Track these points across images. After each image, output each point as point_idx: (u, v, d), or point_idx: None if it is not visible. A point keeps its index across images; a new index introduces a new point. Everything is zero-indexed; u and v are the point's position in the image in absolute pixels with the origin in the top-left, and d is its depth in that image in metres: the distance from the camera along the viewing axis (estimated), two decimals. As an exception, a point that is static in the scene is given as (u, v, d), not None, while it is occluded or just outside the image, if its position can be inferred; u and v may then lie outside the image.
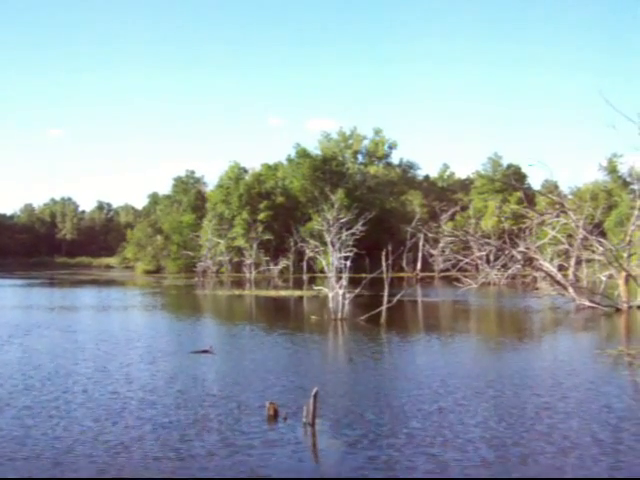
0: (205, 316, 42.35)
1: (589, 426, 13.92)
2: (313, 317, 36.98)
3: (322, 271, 42.19)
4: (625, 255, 42.61)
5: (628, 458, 11.93)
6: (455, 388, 17.77)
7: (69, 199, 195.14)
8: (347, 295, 36.10)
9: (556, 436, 13.21)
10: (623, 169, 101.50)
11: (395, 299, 36.71)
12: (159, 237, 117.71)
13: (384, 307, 34.83)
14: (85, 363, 22.05)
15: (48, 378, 19.36)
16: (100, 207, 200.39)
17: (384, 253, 37.24)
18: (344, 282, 36.20)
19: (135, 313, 42.49)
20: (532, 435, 13.35)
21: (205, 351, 24.18)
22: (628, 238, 43.40)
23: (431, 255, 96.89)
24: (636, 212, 43.49)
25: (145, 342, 27.16)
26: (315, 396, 13.76)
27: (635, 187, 45.84)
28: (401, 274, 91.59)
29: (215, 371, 20.94)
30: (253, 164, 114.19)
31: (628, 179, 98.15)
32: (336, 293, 35.79)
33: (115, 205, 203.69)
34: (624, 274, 41.06)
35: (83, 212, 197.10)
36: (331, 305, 35.62)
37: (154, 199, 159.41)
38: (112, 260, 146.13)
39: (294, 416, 14.63)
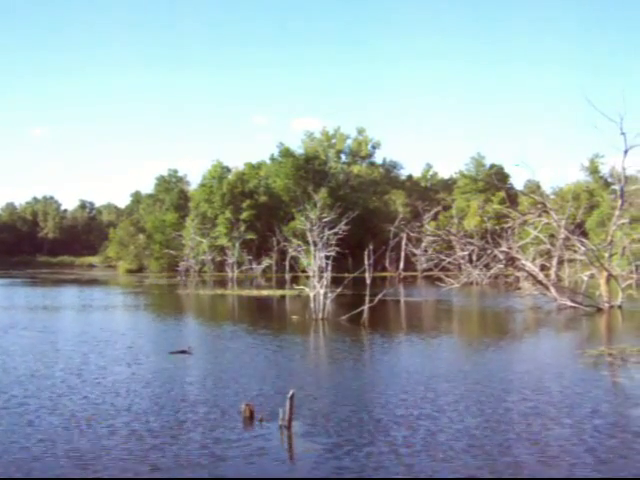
0: (186, 316, 42.01)
1: (574, 432, 13.51)
2: (294, 317, 36.76)
3: (304, 270, 41.93)
4: (606, 255, 42.69)
5: (615, 463, 11.73)
6: (437, 391, 17.47)
7: (51, 198, 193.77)
8: (328, 295, 35.92)
9: (542, 443, 12.82)
10: (604, 170, 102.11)
11: (376, 299, 36.50)
12: (141, 236, 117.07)
13: (365, 307, 34.62)
14: (60, 365, 21.57)
15: (18, 381, 18.82)
16: (82, 206, 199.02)
17: (366, 252, 37.08)
18: (325, 281, 36.02)
19: (116, 313, 42.05)
20: (517, 443, 12.91)
21: (183, 351, 23.88)
22: (609, 238, 43.49)
23: (414, 255, 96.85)
24: (617, 212, 43.57)
25: (124, 343, 26.76)
26: (291, 398, 13.50)
27: (616, 187, 45.95)
28: (384, 273, 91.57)
29: (192, 372, 20.60)
30: (237, 163, 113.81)
31: (609, 179, 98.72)
32: (317, 293, 35.60)
33: (98, 204, 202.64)
34: (605, 274, 41.12)
35: (65, 211, 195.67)
36: (312, 305, 35.42)
37: (137, 198, 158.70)
38: (94, 259, 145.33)
39: (271, 418, 14.35)
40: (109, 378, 19.39)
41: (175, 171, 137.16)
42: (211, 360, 23.14)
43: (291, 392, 13.60)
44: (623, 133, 41.26)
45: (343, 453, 12.35)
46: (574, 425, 13.99)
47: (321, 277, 36.63)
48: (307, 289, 36.98)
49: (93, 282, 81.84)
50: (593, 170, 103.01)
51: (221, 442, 12.97)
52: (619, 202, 43.81)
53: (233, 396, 16.77)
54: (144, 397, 16.83)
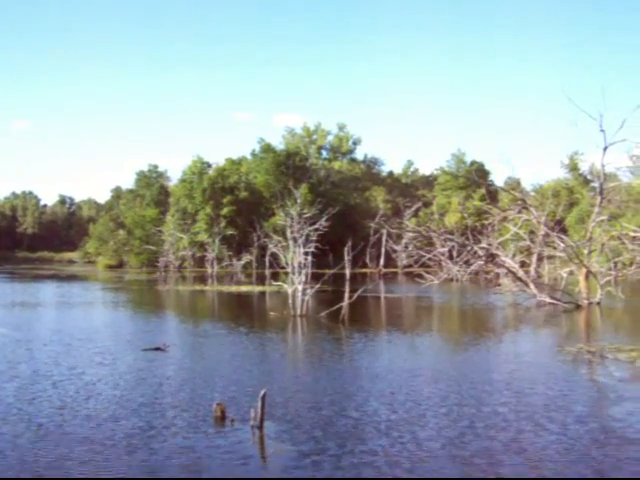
0: (164, 312, 41.59)
1: (557, 437, 12.94)
2: (272, 313, 36.46)
3: (283, 267, 41.67)
4: (586, 252, 42.72)
5: (600, 467, 11.50)
6: (416, 392, 17.02)
7: (30, 193, 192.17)
8: (307, 291, 35.67)
9: (526, 451, 12.19)
10: (584, 167, 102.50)
11: (355, 295, 36.27)
12: (121, 232, 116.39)
13: (344, 303, 34.42)
14: (27, 365, 20.80)
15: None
16: (62, 201, 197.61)
17: (346, 248, 36.87)
18: (304, 278, 35.77)
19: (93, 310, 41.50)
20: (501, 451, 12.20)
21: (158, 349, 23.50)
22: (588, 235, 43.52)
23: (394, 251, 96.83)
24: (596, 209, 43.62)
25: (98, 340, 26.25)
26: (263, 398, 13.16)
27: (595, 184, 46.12)
28: (364, 270, 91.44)
29: (165, 370, 20.13)
30: (219, 159, 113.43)
31: (589, 177, 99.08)
32: (296, 289, 35.33)
33: (78, 199, 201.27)
34: (584, 270, 41.15)
35: (45, 206, 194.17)
36: (291, 301, 35.14)
37: (117, 193, 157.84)
38: (74, 255, 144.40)
39: (243, 418, 13.99)
40: (78, 380, 18.47)
41: (155, 166, 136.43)
42: (186, 358, 22.76)
43: (262, 392, 13.25)
44: (602, 130, 41.35)
45: (316, 455, 11.99)
46: (556, 428, 13.58)
47: (300, 273, 36.38)
48: (285, 285, 36.69)
49: (72, 278, 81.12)
50: (573, 167, 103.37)
51: (189, 443, 12.59)
52: (598, 199, 43.85)
53: (205, 395, 16.38)
54: (112, 400, 16.10)
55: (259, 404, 13.17)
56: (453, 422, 14.13)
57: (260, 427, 13.18)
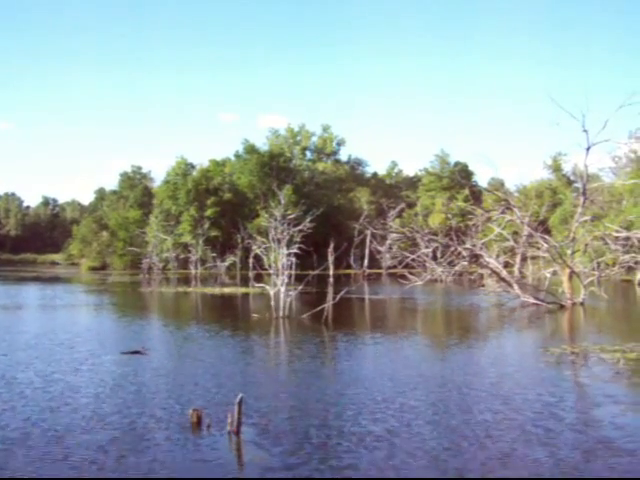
0: (147, 314, 41.13)
1: (549, 449, 12.27)
2: (255, 315, 36.14)
3: (265, 268, 41.42)
4: (569, 252, 42.73)
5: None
6: (400, 399, 16.35)
7: (13, 194, 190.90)
8: (290, 292, 35.42)
9: (517, 463, 11.61)
10: (567, 168, 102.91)
11: (338, 296, 36.08)
12: (105, 233, 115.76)
13: (327, 305, 34.21)
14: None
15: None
16: (45, 202, 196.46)
17: (330, 249, 36.70)
18: (286, 279, 35.54)
19: (75, 312, 40.89)
20: (488, 461, 11.65)
21: (137, 352, 23.12)
22: (572, 235, 43.54)
23: (378, 252, 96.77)
24: (579, 209, 43.67)
25: (78, 344, 25.64)
26: (240, 403, 12.85)
27: (578, 185, 46.21)
28: (348, 271, 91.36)
29: (142, 374, 19.67)
30: (203, 160, 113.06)
31: (572, 177, 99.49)
32: (278, 290, 35.09)
33: (61, 201, 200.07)
34: (568, 271, 41.16)
35: (28, 208, 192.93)
36: (273, 303, 34.86)
37: (101, 195, 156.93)
38: (57, 256, 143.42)
39: (220, 424, 13.62)
40: (51, 387, 17.59)
41: (139, 168, 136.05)
42: (165, 361, 22.34)
43: (239, 396, 12.91)
44: (585, 130, 41.40)
45: (294, 463, 11.63)
46: (546, 438, 12.97)
47: (283, 275, 36.16)
48: (267, 287, 36.40)
49: (55, 280, 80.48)
50: (556, 168, 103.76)
51: (164, 450, 12.23)
52: (581, 199, 43.90)
53: (183, 400, 15.98)
54: (84, 408, 15.39)
55: (235, 409, 12.87)
56: (439, 434, 13.38)
57: (237, 433, 12.84)
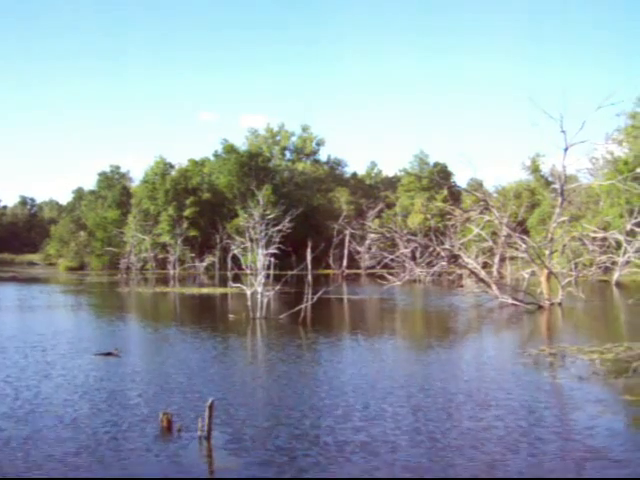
0: (124, 315, 40.63)
1: (534, 457, 11.95)
2: (231, 316, 35.80)
3: (242, 269, 41.14)
4: (547, 252, 42.76)
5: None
6: (378, 404, 15.89)
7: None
8: (266, 293, 35.15)
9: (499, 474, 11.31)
10: (545, 169, 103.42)
11: (316, 297, 35.88)
12: (82, 233, 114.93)
13: (304, 305, 33.96)
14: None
15: None
16: (23, 202, 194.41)
17: (308, 250, 36.49)
18: (263, 279, 35.27)
19: (51, 313, 40.32)
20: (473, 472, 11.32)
21: (110, 354, 22.73)
22: (550, 236, 43.59)
23: (358, 252, 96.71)
24: (557, 210, 43.72)
25: (52, 346, 25.14)
26: (211, 407, 12.56)
27: (556, 186, 46.37)
28: (327, 271, 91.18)
29: (113, 377, 19.29)
30: (185, 160, 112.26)
31: (550, 178, 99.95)
32: (255, 291, 34.80)
33: (39, 200, 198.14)
34: (546, 271, 41.18)
35: (5, 207, 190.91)
36: (249, 303, 34.55)
37: (79, 195, 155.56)
38: (35, 257, 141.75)
39: (191, 428, 13.30)
40: (18, 392, 17.10)
41: (117, 167, 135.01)
42: (138, 363, 21.97)
43: (210, 400, 12.62)
44: (563, 131, 41.49)
45: (266, 469, 11.33)
46: (528, 447, 12.58)
47: (260, 275, 35.89)
48: (244, 287, 36.09)
49: (32, 280, 79.58)
50: (534, 169, 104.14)
51: (133, 455, 11.90)
52: (559, 200, 43.97)
53: (154, 403, 15.64)
54: (51, 414, 14.95)
55: (206, 414, 12.56)
56: (420, 444, 12.77)
57: (208, 438, 12.53)
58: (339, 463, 11.76)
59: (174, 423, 13.43)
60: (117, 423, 14.12)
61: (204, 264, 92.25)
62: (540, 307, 39.50)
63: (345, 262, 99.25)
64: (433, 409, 15.54)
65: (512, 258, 55.20)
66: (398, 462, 11.80)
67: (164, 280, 76.71)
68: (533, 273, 44.75)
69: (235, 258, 64.56)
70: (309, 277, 36.51)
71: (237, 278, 55.80)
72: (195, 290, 59.77)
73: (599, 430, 13.65)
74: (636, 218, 60.77)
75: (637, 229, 57.11)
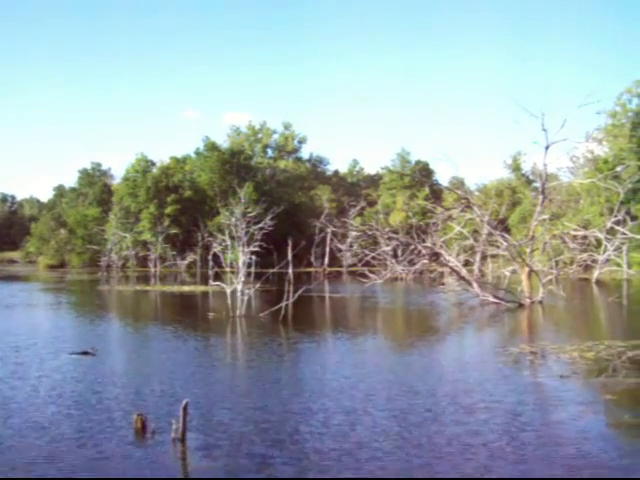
0: (103, 314, 40.24)
1: (518, 467, 11.54)
2: (211, 314, 35.51)
3: (222, 267, 40.95)
4: (528, 250, 42.84)
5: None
6: (359, 407, 15.40)
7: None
8: (247, 291, 34.92)
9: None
10: (526, 167, 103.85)
11: (296, 295, 35.71)
12: (63, 231, 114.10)
13: (284, 303, 33.74)
14: None
15: None
16: (3, 199, 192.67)
17: (289, 247, 36.34)
18: (243, 277, 35.05)
19: (29, 311, 39.72)
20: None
21: (86, 353, 22.38)
22: (531, 234, 43.69)
23: (339, 250, 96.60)
24: (538, 208, 43.82)
25: (26, 344, 24.72)
26: (185, 409, 12.31)
27: (537, 184, 46.54)
28: (309, 269, 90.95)
29: (89, 375, 18.93)
30: (167, 158, 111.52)
31: (531, 177, 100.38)
32: (235, 289, 34.58)
33: (19, 198, 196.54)
34: (527, 269, 41.23)
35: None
36: (230, 302, 34.29)
37: (60, 192, 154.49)
38: (15, 254, 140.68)
39: (166, 430, 12.93)
40: None
41: (99, 164, 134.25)
42: (114, 362, 21.62)
43: (184, 402, 12.37)
44: (544, 129, 41.61)
45: (241, 473, 11.06)
46: (513, 455, 12.12)
47: (241, 273, 35.68)
48: (224, 285, 35.82)
49: (11, 278, 78.68)
50: (515, 167, 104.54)
51: (104, 457, 11.60)
52: (540, 198, 44.07)
53: (128, 404, 15.33)
54: (21, 414, 14.69)
55: (181, 415, 12.31)
56: (405, 451, 12.25)
57: (182, 440, 12.25)
58: (319, 470, 11.35)
59: (148, 425, 13.14)
60: (89, 425, 13.79)
61: (185, 262, 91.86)
62: (521, 305, 39.53)
63: (327, 260, 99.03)
64: (415, 413, 15.01)
65: (493, 256, 55.20)
66: (381, 471, 11.35)
67: (145, 278, 76.18)
68: (514, 271, 44.82)
69: (216, 256, 64.43)
70: (290, 275, 36.35)
71: (218, 276, 55.54)
72: (176, 288, 59.39)
73: (582, 432, 13.49)
74: (616, 216, 61.03)
75: (617, 227, 57.47)
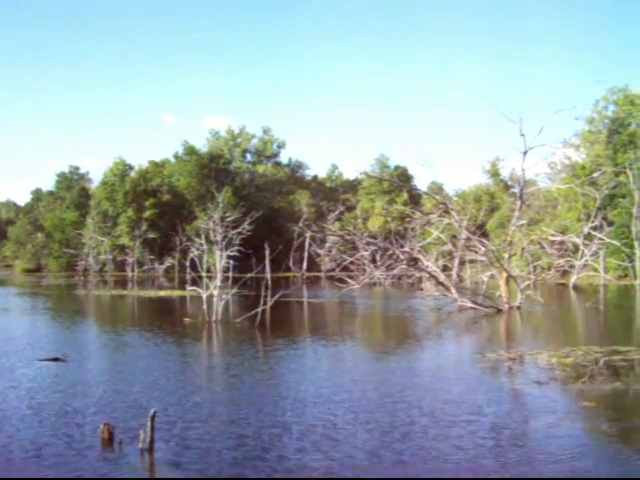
0: (79, 319, 39.76)
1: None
2: (187, 319, 35.08)
3: (197, 272, 40.53)
4: (506, 256, 42.81)
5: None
6: (338, 419, 14.77)
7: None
8: (223, 296, 34.57)
9: None
10: (505, 173, 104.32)
11: (273, 300, 35.45)
12: (40, 235, 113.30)
13: (260, 309, 33.43)
14: None
15: None
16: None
17: (267, 252, 36.08)
18: (219, 282, 34.70)
19: (2, 317, 38.83)
20: None
21: (56, 359, 21.88)
22: (509, 239, 43.71)
23: (318, 255, 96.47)
24: (516, 214, 43.84)
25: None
26: (152, 418, 11.95)
27: (516, 190, 46.77)
28: (287, 274, 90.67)
29: (57, 383, 18.39)
30: (142, 161, 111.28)
31: (509, 182, 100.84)
32: (211, 294, 34.21)
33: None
34: (505, 274, 41.20)
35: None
36: (205, 307, 33.89)
37: (37, 195, 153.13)
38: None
39: (134, 440, 12.46)
40: None
41: (77, 168, 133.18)
42: (85, 369, 21.07)
43: (152, 411, 11.99)
44: (522, 134, 41.66)
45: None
46: (495, 466, 11.74)
47: (217, 278, 35.33)
48: (200, 290, 35.43)
49: (-14, 283, 78.04)
50: (494, 173, 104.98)
51: (70, 469, 11.13)
52: (518, 204, 44.11)
53: (96, 413, 14.87)
54: None
55: (148, 425, 11.93)
56: (387, 467, 11.63)
57: (150, 450, 11.84)
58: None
59: (116, 435, 12.72)
60: (54, 434, 13.30)
61: (163, 266, 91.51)
62: (499, 310, 39.47)
63: (305, 265, 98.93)
64: (395, 425, 14.32)
65: (471, 261, 55.27)
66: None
67: (122, 283, 75.69)
68: (492, 276, 44.83)
69: (194, 261, 63.93)
70: (267, 279, 36.05)
71: (196, 281, 55.13)
72: (153, 293, 59.00)
73: (560, 440, 13.18)
74: (593, 222, 61.40)
75: (594, 233, 57.77)
